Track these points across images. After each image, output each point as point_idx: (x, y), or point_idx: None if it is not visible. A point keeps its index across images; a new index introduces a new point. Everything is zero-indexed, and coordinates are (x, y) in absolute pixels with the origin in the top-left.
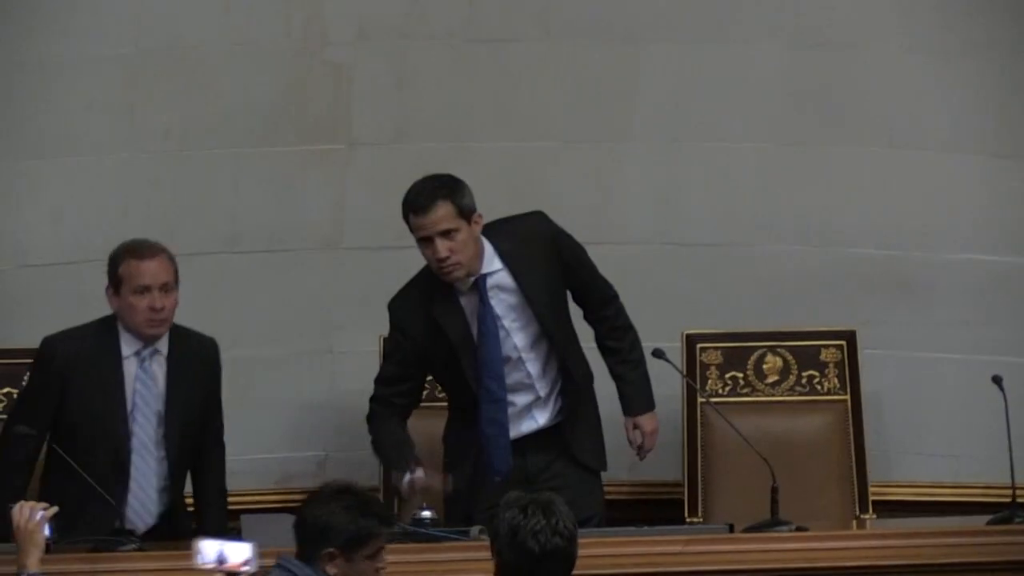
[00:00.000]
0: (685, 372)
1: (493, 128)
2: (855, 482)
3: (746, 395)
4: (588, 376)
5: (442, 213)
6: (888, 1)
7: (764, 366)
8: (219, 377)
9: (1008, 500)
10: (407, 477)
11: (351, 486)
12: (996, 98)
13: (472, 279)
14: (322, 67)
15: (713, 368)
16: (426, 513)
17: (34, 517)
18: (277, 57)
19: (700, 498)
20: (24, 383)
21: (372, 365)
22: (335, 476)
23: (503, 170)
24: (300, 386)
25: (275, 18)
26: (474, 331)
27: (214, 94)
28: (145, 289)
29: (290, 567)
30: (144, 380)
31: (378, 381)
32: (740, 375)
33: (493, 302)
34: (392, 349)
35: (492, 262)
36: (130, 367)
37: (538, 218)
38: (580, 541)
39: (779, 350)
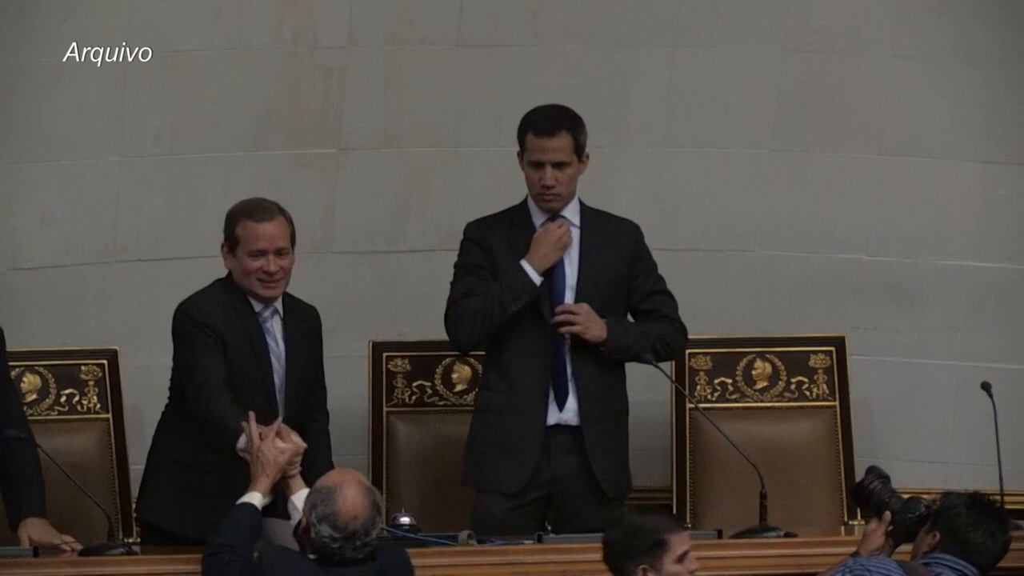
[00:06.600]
0: (674, 378)
1: (484, 133)
2: (844, 488)
3: (735, 401)
4: (623, 399)
5: (560, 143)
6: (881, 7)
7: (753, 372)
8: (322, 345)
9: None
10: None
11: None
12: (988, 105)
13: (550, 215)
14: (313, 71)
15: (702, 374)
16: (404, 519)
17: None
18: (268, 61)
19: (689, 504)
20: (180, 354)
21: (362, 369)
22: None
23: (493, 175)
24: None
25: (266, 22)
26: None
27: (205, 98)
28: (261, 252)
29: None
30: (267, 341)
31: (456, 290)
32: (729, 381)
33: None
34: (466, 262)
35: (574, 217)
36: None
37: (636, 225)
38: (568, 546)
39: (768, 356)
